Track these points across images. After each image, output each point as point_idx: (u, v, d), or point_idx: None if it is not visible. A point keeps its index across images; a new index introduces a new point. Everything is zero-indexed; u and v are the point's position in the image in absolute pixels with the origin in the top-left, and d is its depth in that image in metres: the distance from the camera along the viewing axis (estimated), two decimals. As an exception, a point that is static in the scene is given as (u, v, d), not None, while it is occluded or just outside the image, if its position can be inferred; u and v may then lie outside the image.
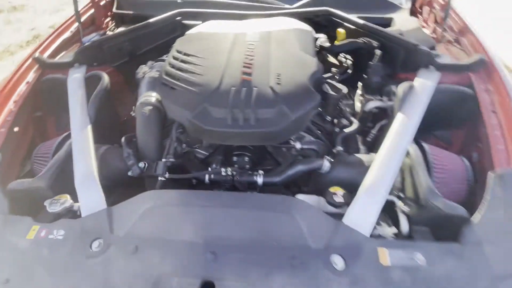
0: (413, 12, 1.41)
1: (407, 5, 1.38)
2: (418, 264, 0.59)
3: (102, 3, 1.47)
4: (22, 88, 1.01)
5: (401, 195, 0.75)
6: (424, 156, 0.76)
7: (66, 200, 0.75)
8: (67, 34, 1.27)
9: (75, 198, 0.75)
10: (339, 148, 0.92)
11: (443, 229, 0.67)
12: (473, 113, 0.87)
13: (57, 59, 1.15)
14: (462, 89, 0.91)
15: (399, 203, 0.73)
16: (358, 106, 1.10)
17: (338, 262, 0.60)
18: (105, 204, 0.72)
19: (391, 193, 0.77)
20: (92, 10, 1.43)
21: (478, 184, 0.75)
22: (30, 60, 1.09)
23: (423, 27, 1.30)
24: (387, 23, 1.27)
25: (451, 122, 0.97)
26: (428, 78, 0.94)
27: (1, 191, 0.76)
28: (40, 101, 1.07)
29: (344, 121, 1.01)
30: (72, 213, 0.75)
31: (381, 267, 0.59)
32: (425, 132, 1.00)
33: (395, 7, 1.36)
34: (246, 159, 0.92)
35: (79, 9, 1.27)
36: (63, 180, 0.79)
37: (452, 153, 0.82)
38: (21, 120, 0.95)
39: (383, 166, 0.73)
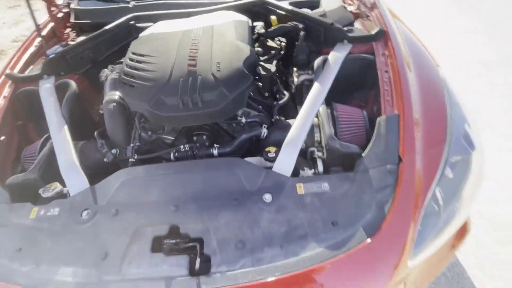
0: (342, -9, 1.60)
1: (335, -14, 1.56)
2: (324, 190, 0.82)
3: (59, 15, 1.58)
4: (0, 102, 1.16)
5: (318, 145, 0.98)
6: (333, 114, 0.98)
7: (56, 186, 0.93)
8: (32, 49, 1.40)
9: (63, 185, 0.94)
10: (276, 117, 1.13)
11: (352, 166, 0.90)
12: (376, 75, 1.08)
13: (26, 73, 1.29)
14: (366, 57, 1.13)
15: (316, 151, 0.95)
16: (295, 80, 1.31)
17: (268, 197, 0.82)
18: (88, 184, 0.91)
19: (312, 144, 0.99)
20: (52, 24, 1.54)
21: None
22: (2, 77, 1.23)
23: (349, 4, 1.50)
24: (316, 4, 1.46)
25: (364, 84, 1.19)
26: (341, 50, 1.14)
27: (1, 186, 0.93)
28: (19, 111, 1.22)
29: (282, 95, 1.22)
30: (62, 197, 0.93)
31: (298, 196, 0.81)
32: (347, 95, 1.22)
33: None
34: (204, 137, 1.12)
35: (39, 23, 1.39)
36: (50, 172, 0.97)
37: (358, 109, 1.04)
38: (5, 130, 1.11)
39: (299, 125, 0.94)
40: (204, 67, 1.01)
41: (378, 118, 0.91)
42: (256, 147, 1.12)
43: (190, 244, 0.78)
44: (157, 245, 0.78)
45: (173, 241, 0.78)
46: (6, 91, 1.20)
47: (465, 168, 0.87)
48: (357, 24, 1.33)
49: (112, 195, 0.87)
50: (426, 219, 0.76)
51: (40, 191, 0.92)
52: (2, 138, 1.09)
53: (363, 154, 0.86)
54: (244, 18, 1.28)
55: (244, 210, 0.80)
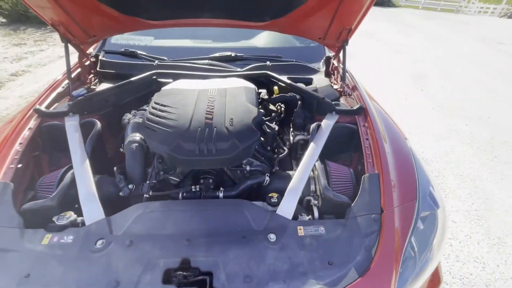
0: (328, 73, 1.99)
1: (323, 69, 1.96)
2: (320, 233, 0.95)
3: (87, 63, 1.80)
4: (26, 132, 1.25)
5: (314, 195, 1.14)
6: (326, 169, 1.18)
7: (71, 215, 0.99)
8: (59, 89, 1.55)
9: (76, 214, 0.99)
10: (276, 168, 1.31)
11: (342, 215, 1.05)
12: (358, 141, 1.34)
13: (52, 109, 1.42)
14: (350, 126, 1.40)
15: (312, 200, 1.11)
16: (291, 139, 1.54)
17: (272, 237, 0.93)
18: (104, 215, 0.98)
19: (308, 194, 1.16)
20: (79, 69, 1.74)
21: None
22: (31, 110, 1.35)
23: (334, 83, 1.86)
24: (309, 81, 1.80)
25: (349, 148, 1.43)
26: (331, 119, 1.41)
27: (15, 211, 0.97)
28: (38, 143, 1.30)
29: (281, 150, 1.43)
30: (75, 225, 0.98)
31: (298, 237, 0.94)
32: (334, 155, 1.45)
33: (314, 71, 1.92)
34: (210, 181, 1.25)
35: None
36: (67, 201, 1.03)
37: (346, 167, 1.25)
38: (24, 159, 1.18)
39: (298, 177, 1.12)
40: (220, 121, 1.20)
41: (363, 176, 1.12)
42: (256, 193, 1.26)
43: (200, 277, 0.85)
44: (168, 277, 0.84)
45: (184, 273, 0.85)
46: (32, 123, 1.30)
47: (432, 222, 1.07)
48: (342, 100, 1.66)
49: (128, 227, 0.94)
50: (406, 262, 0.91)
51: (54, 218, 0.97)
52: (20, 165, 1.15)
53: (352, 204, 1.04)
54: (252, 85, 1.55)
55: (251, 247, 0.91)
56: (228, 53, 1.88)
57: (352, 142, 1.41)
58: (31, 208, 1.00)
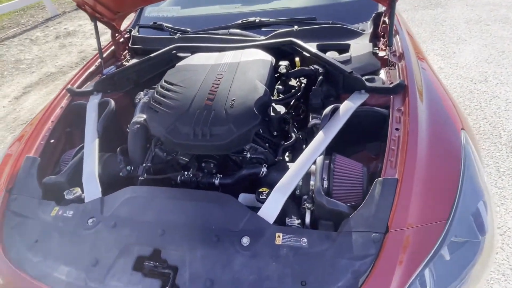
0: (377, 36, 1.57)
1: (369, 31, 1.55)
2: (301, 245, 0.80)
3: (121, 40, 1.87)
4: (58, 111, 1.41)
5: (309, 196, 0.96)
6: (329, 165, 0.97)
7: (77, 191, 1.09)
8: (92, 68, 1.67)
9: (83, 190, 1.09)
10: (279, 157, 1.15)
11: (340, 223, 0.87)
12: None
13: (83, 88, 1.55)
14: (380, 111, 1.09)
15: (306, 202, 0.94)
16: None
17: (245, 241, 0.84)
18: (100, 194, 1.04)
19: (306, 192, 0.99)
20: (113, 47, 1.83)
21: None
22: (64, 90, 1.50)
23: (382, 50, 1.47)
24: (346, 48, 1.46)
25: (377, 137, 1.14)
26: (356, 100, 1.12)
27: (38, 184, 1.13)
28: (70, 120, 1.46)
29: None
30: (80, 200, 1.08)
31: (274, 246, 0.82)
32: (358, 145, 1.19)
33: (356, 33, 1.54)
34: (212, 165, 1.19)
35: (102, 45, 1.67)
36: (77, 177, 1.14)
37: (358, 163, 1.00)
38: (55, 135, 1.34)
39: (294, 171, 0.95)
40: (220, 102, 1.09)
41: (376, 180, 0.87)
42: (255, 183, 1.15)
43: (166, 270, 0.84)
44: (139, 264, 0.86)
45: (153, 263, 0.85)
46: (64, 102, 1.45)
47: (470, 253, 0.77)
48: (383, 73, 1.29)
49: (116, 209, 0.98)
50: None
51: (65, 193, 1.09)
52: (52, 141, 1.32)
53: (351, 215, 0.83)
54: (268, 57, 1.35)
55: (221, 249, 0.84)
56: (252, 19, 1.66)
57: (382, 130, 1.11)
58: (47, 182, 1.14)
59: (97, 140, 1.22)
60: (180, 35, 1.73)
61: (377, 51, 1.43)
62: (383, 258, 0.73)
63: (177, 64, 1.41)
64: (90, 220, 0.97)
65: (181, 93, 1.17)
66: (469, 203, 0.81)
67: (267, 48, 1.44)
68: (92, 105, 1.39)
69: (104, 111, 1.37)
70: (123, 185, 1.05)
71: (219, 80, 1.19)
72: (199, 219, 0.91)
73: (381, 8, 1.61)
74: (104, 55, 1.74)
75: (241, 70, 1.24)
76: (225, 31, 1.67)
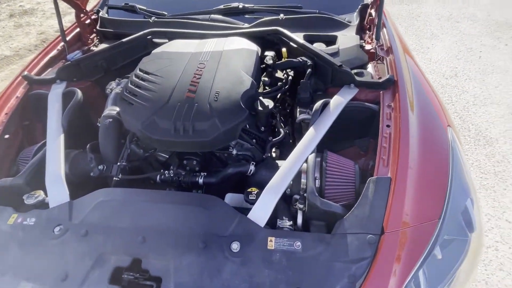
0: (363, 28, 1.55)
1: (356, 22, 1.51)
2: (295, 249, 0.76)
3: (87, 21, 1.67)
4: (12, 102, 1.23)
5: (301, 196, 0.92)
6: (321, 163, 0.93)
7: (39, 195, 0.96)
8: (54, 52, 1.48)
9: (47, 193, 0.96)
10: (267, 154, 1.09)
11: (333, 223, 0.84)
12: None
13: (43, 75, 1.36)
14: (370, 106, 1.07)
15: (297, 203, 0.90)
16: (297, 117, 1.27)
17: (235, 247, 0.78)
18: (68, 198, 0.92)
19: (298, 193, 0.94)
20: (78, 29, 1.63)
21: None
22: (20, 77, 1.31)
23: (368, 42, 1.44)
24: (333, 40, 1.42)
25: (367, 133, 1.12)
26: (346, 94, 1.09)
27: None
28: (28, 112, 1.28)
29: (279, 132, 1.18)
30: (44, 205, 0.95)
31: (266, 251, 0.77)
32: (347, 141, 1.16)
33: (343, 25, 1.50)
34: (194, 162, 1.11)
35: (65, 27, 1.47)
36: (38, 179, 1.00)
37: (350, 161, 0.97)
38: (10, 129, 1.17)
39: (285, 170, 0.90)
40: (203, 94, 1.00)
41: (369, 179, 0.85)
42: (242, 182, 1.09)
43: (148, 282, 0.76)
44: (117, 276, 0.77)
45: (132, 275, 0.77)
46: (20, 91, 1.27)
47: (459, 250, 0.78)
48: (370, 67, 1.27)
49: (86, 215, 0.87)
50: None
51: (24, 197, 0.95)
52: (6, 136, 1.15)
53: (345, 216, 0.80)
54: (254, 47, 1.27)
55: (208, 255, 0.77)
56: (235, 4, 1.55)
57: (371, 126, 1.09)
58: (2, 185, 0.99)
59: (62, 136, 1.08)
60: (156, 19, 1.58)
61: (364, 44, 1.40)
62: (379, 261, 0.71)
63: (153, 51, 1.28)
64: (57, 228, 0.85)
65: (159, 83, 1.06)
66: (458, 201, 0.82)
67: (251, 37, 1.35)
68: (55, 95, 1.23)
69: (69, 102, 1.21)
70: (94, 187, 0.94)
71: (201, 70, 1.10)
72: (184, 224, 0.83)
73: None
74: (68, 38, 1.54)
75: (225, 60, 1.15)
76: (206, 16, 1.55)
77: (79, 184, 1.04)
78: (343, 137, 1.15)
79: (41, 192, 0.96)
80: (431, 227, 0.76)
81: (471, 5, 4.49)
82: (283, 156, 1.20)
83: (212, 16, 1.54)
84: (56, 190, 0.94)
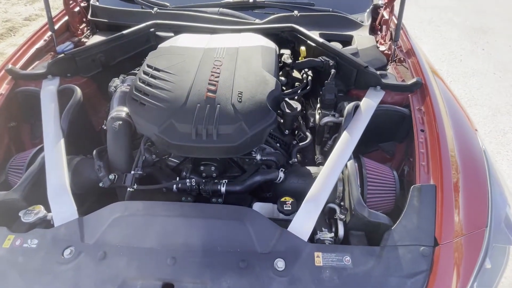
0: (374, 29, 1.53)
1: (368, 23, 1.49)
2: (345, 265, 0.71)
3: (76, 9, 1.49)
4: None
5: (341, 203, 0.87)
6: (361, 171, 0.89)
7: (39, 210, 0.82)
8: (40, 43, 1.29)
9: (49, 208, 0.82)
10: (294, 160, 1.03)
11: (375, 233, 0.80)
12: (409, 131, 0.99)
13: (30, 69, 1.18)
14: (401, 110, 1.04)
15: (338, 211, 0.84)
16: (317, 118, 1.21)
17: (280, 265, 0.71)
18: (77, 214, 0.79)
19: (334, 201, 0.89)
20: (66, 17, 1.44)
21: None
22: (3, 71, 1.12)
23: (381, 43, 1.42)
24: (348, 40, 1.38)
25: (394, 137, 1.09)
26: (374, 97, 1.05)
27: None
28: (14, 112, 1.11)
29: (302, 134, 1.12)
30: (45, 223, 0.82)
31: (315, 268, 0.71)
32: (373, 145, 1.13)
33: (356, 24, 1.47)
34: (212, 168, 1.01)
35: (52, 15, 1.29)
36: (37, 192, 0.86)
37: (386, 166, 0.94)
38: None
39: (324, 179, 0.84)
40: (225, 95, 0.92)
41: (412, 187, 0.81)
42: (267, 188, 1.01)
43: None
44: None
45: None
46: (4, 87, 1.09)
47: (502, 258, 0.78)
48: (390, 68, 1.25)
49: (102, 233, 0.76)
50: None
51: (21, 213, 0.81)
52: (-11, 140, 0.98)
53: (393, 227, 0.76)
54: (272, 44, 1.19)
55: (252, 276, 0.70)
56: None
57: (399, 130, 1.06)
58: None
59: (62, 140, 0.94)
60: (159, 10, 1.44)
61: (378, 45, 1.38)
62: (437, 275, 0.68)
63: (159, 46, 1.17)
64: (67, 251, 0.73)
65: (173, 82, 0.96)
66: (499, 207, 0.82)
67: (264, 33, 1.28)
68: (48, 92, 1.07)
69: (65, 101, 1.06)
70: (98, 199, 0.82)
71: (218, 68, 1.01)
72: (219, 241, 0.75)
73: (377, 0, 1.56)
74: (55, 28, 1.36)
75: (243, 57, 1.07)
76: (214, 9, 1.44)
77: (81, 196, 0.91)
78: (368, 141, 1.11)
79: (41, 208, 0.82)
80: (480, 236, 0.74)
81: (449, 10, 4.72)
82: (305, 157, 1.14)
83: (221, 10, 1.44)
84: (61, 204, 0.81)
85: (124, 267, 0.71)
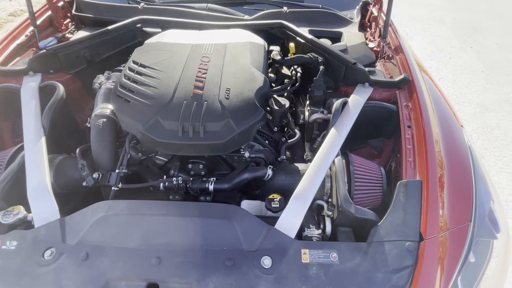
0: (363, 26, 1.53)
1: (357, 20, 1.49)
2: (332, 261, 0.71)
3: (59, 4, 1.45)
4: None
5: (329, 200, 0.87)
6: (348, 167, 0.88)
7: (19, 211, 0.79)
8: (22, 38, 1.25)
9: (29, 209, 0.80)
10: (283, 157, 1.02)
11: (362, 229, 0.80)
12: (397, 127, 1.00)
13: (10, 65, 1.15)
14: (388, 106, 1.04)
15: (325, 208, 0.84)
16: (306, 115, 1.21)
17: (267, 263, 0.70)
18: (58, 215, 0.77)
19: (321, 198, 0.89)
20: (49, 12, 1.40)
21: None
22: None
23: (370, 40, 1.42)
24: (338, 36, 1.38)
25: (381, 133, 1.10)
26: (362, 94, 1.05)
27: None
28: None
29: (290, 131, 1.12)
30: (26, 224, 0.79)
31: (302, 265, 0.70)
32: (361, 141, 1.13)
33: (345, 21, 1.47)
34: (201, 166, 1.00)
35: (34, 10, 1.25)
36: (17, 192, 0.83)
37: (374, 162, 0.94)
38: None
39: (312, 175, 0.83)
40: (212, 92, 0.90)
41: (399, 183, 0.82)
42: (255, 185, 1.01)
43: None
44: None
45: None
46: (-18, 84, 1.05)
47: (486, 253, 0.79)
48: (378, 65, 1.25)
49: (84, 233, 0.74)
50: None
51: (0, 214, 0.78)
52: (-32, 139, 0.94)
53: (380, 223, 0.76)
54: (261, 41, 1.18)
55: (238, 275, 0.69)
56: None
57: (387, 127, 1.07)
58: None
59: (43, 139, 0.91)
60: (146, 5, 1.41)
61: (367, 42, 1.39)
62: (421, 269, 0.68)
63: (146, 41, 1.14)
64: (48, 253, 0.71)
65: (159, 78, 0.94)
66: (483, 202, 0.83)
67: (253, 29, 1.26)
68: (29, 89, 1.04)
69: (46, 98, 1.03)
70: (82, 199, 0.80)
71: (205, 64, 0.99)
72: (205, 240, 0.74)
73: None
74: (38, 23, 1.32)
75: (231, 53, 1.06)
76: (203, 5, 1.42)
77: (64, 196, 0.89)
78: (356, 138, 1.12)
79: (21, 208, 0.80)
80: (465, 231, 0.75)
81: (438, 9, 4.78)
82: (294, 154, 1.14)
83: (210, 5, 1.42)
84: (42, 205, 0.79)
85: (107, 267, 0.69)
